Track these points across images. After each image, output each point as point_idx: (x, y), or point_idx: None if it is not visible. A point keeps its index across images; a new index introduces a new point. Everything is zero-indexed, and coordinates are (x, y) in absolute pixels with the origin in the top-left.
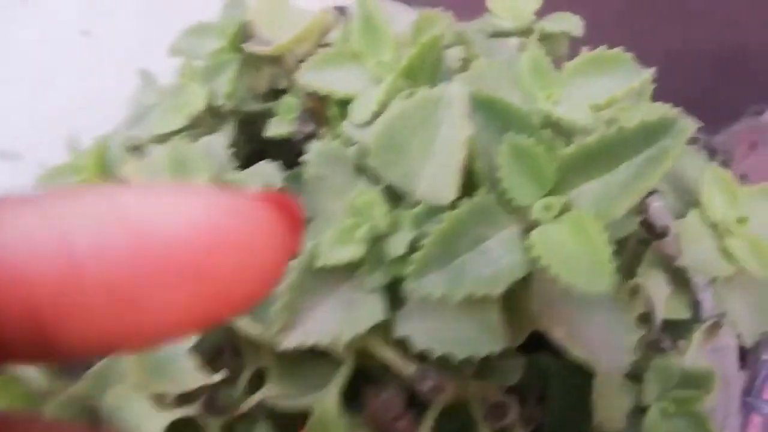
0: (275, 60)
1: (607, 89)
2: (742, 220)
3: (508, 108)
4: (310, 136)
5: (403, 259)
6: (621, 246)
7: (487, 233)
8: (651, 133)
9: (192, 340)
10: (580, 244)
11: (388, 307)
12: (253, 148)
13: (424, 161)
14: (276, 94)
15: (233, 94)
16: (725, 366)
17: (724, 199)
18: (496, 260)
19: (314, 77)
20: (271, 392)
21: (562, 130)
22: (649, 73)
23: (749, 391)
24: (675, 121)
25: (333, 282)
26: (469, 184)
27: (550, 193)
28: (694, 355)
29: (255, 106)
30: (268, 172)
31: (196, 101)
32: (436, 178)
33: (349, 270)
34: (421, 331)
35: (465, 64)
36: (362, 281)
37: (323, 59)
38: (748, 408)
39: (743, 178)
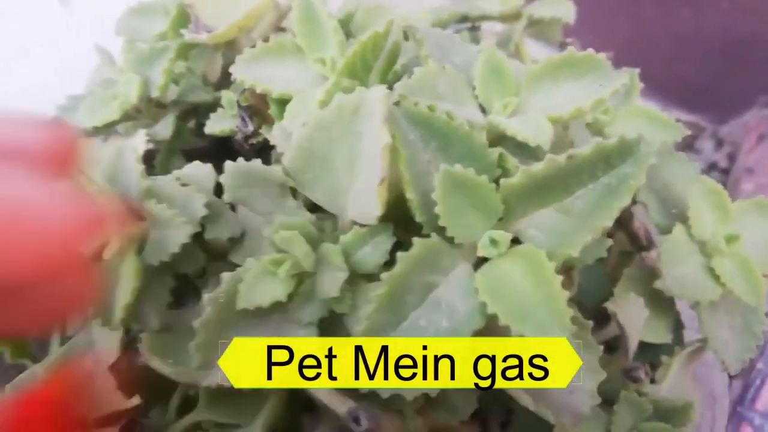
0: (230, 45)
1: (573, 98)
2: (732, 239)
3: (447, 126)
4: (250, 137)
5: (338, 298)
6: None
7: (436, 279)
8: (608, 159)
9: (112, 359)
10: (532, 286)
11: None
12: (204, 142)
13: (351, 177)
14: (230, 83)
15: (166, 87)
16: (713, 383)
17: (713, 214)
18: (452, 309)
19: (248, 71)
20: (199, 418)
21: (517, 146)
22: (625, 77)
23: (741, 401)
24: (636, 145)
25: (261, 314)
26: (398, 203)
27: (497, 225)
28: (672, 383)
29: (205, 96)
30: (201, 174)
31: (129, 93)
32: (363, 196)
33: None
34: None
35: (420, 64)
36: (294, 314)
37: (262, 51)
38: (739, 418)
39: (749, 172)
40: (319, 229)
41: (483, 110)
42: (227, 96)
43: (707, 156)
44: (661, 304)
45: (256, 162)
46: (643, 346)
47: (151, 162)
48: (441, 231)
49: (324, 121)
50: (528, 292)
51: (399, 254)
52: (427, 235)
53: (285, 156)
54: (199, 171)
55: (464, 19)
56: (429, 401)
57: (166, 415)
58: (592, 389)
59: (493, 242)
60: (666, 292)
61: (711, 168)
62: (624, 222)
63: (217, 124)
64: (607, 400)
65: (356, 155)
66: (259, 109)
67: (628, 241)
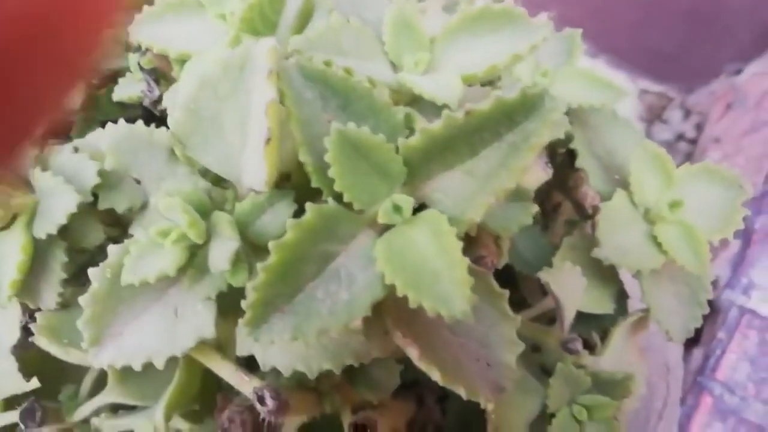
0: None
1: (488, 54)
2: (676, 204)
3: (344, 83)
4: (158, 102)
5: (233, 271)
6: (543, 228)
7: (335, 249)
8: (511, 115)
9: (13, 339)
10: (434, 255)
11: (226, 317)
12: (138, 112)
13: (243, 140)
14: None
15: None
16: (667, 352)
17: (656, 180)
18: (351, 280)
19: (146, 31)
20: (108, 399)
21: (435, 107)
22: (546, 31)
23: (702, 371)
24: (540, 100)
25: (156, 289)
26: (302, 167)
27: (401, 190)
28: (614, 354)
29: (122, 63)
30: (97, 144)
31: None
32: (255, 160)
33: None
34: (267, 347)
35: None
36: (190, 287)
37: (162, 8)
38: (699, 388)
39: (716, 142)
40: (218, 198)
41: (396, 68)
42: (132, 59)
43: (675, 126)
44: (602, 273)
45: (139, 124)
46: (586, 317)
47: (68, 135)
48: (339, 197)
49: (210, 79)
50: (429, 261)
51: (289, 221)
52: (326, 202)
53: (171, 118)
54: (102, 139)
55: None
56: (346, 377)
57: (78, 396)
58: (510, 362)
59: (396, 208)
60: (604, 261)
61: (679, 138)
62: (570, 190)
63: (124, 90)
64: (548, 372)
65: (246, 115)
66: (165, 72)
67: (574, 210)
